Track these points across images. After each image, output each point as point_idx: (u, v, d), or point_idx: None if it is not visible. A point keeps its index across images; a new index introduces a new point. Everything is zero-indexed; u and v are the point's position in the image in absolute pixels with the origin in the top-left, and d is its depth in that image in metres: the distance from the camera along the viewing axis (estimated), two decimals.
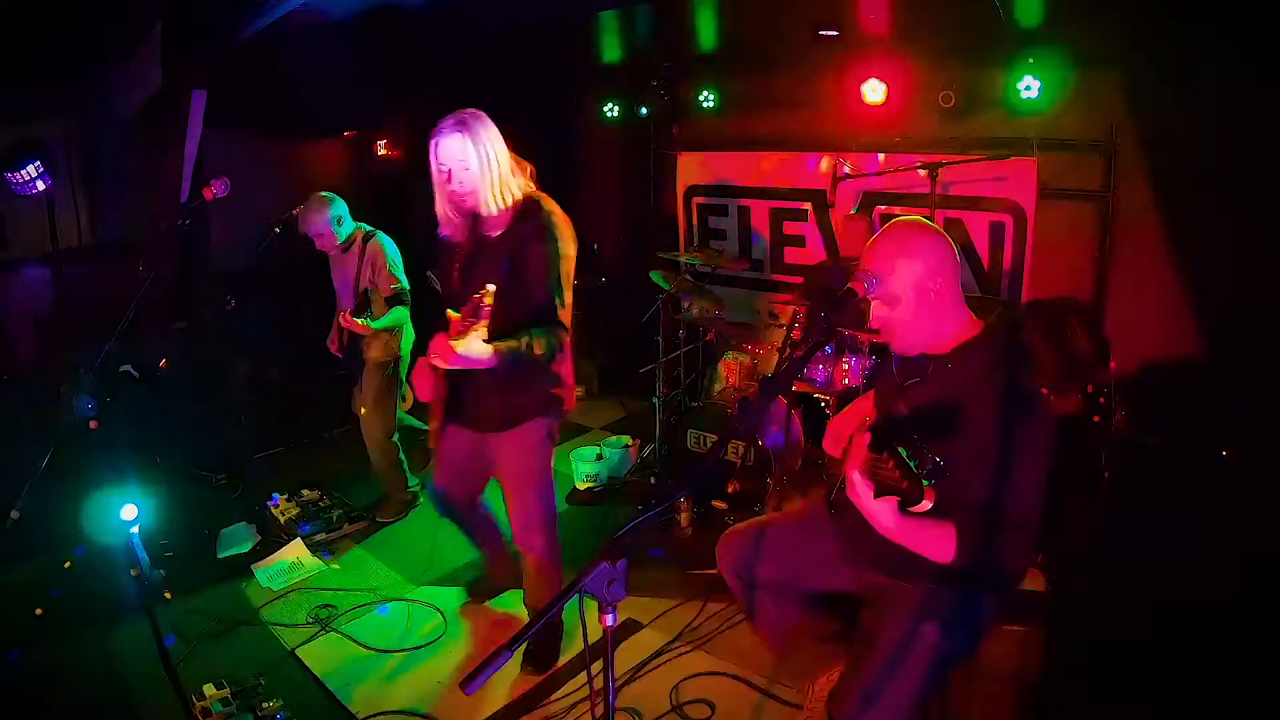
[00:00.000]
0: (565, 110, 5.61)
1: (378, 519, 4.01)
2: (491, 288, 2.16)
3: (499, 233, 2.45)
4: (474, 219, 2.46)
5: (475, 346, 2.22)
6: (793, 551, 2.17)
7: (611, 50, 5.26)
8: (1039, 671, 2.71)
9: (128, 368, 3.71)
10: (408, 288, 3.68)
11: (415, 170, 4.31)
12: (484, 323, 2.18)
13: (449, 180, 2.35)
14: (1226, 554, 3.07)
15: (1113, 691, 2.61)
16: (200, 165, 4.22)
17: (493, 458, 2.69)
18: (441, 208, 2.43)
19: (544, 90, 5.47)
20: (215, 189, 2.73)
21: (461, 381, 2.52)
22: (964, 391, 1.80)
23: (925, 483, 1.59)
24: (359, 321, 3.51)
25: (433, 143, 2.34)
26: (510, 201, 2.40)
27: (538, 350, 2.36)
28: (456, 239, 2.50)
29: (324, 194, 3.70)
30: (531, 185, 2.50)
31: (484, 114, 2.39)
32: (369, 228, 3.79)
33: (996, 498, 1.71)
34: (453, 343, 2.20)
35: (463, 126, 2.32)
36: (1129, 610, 2.96)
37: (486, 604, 3.26)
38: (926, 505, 1.59)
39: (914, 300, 1.85)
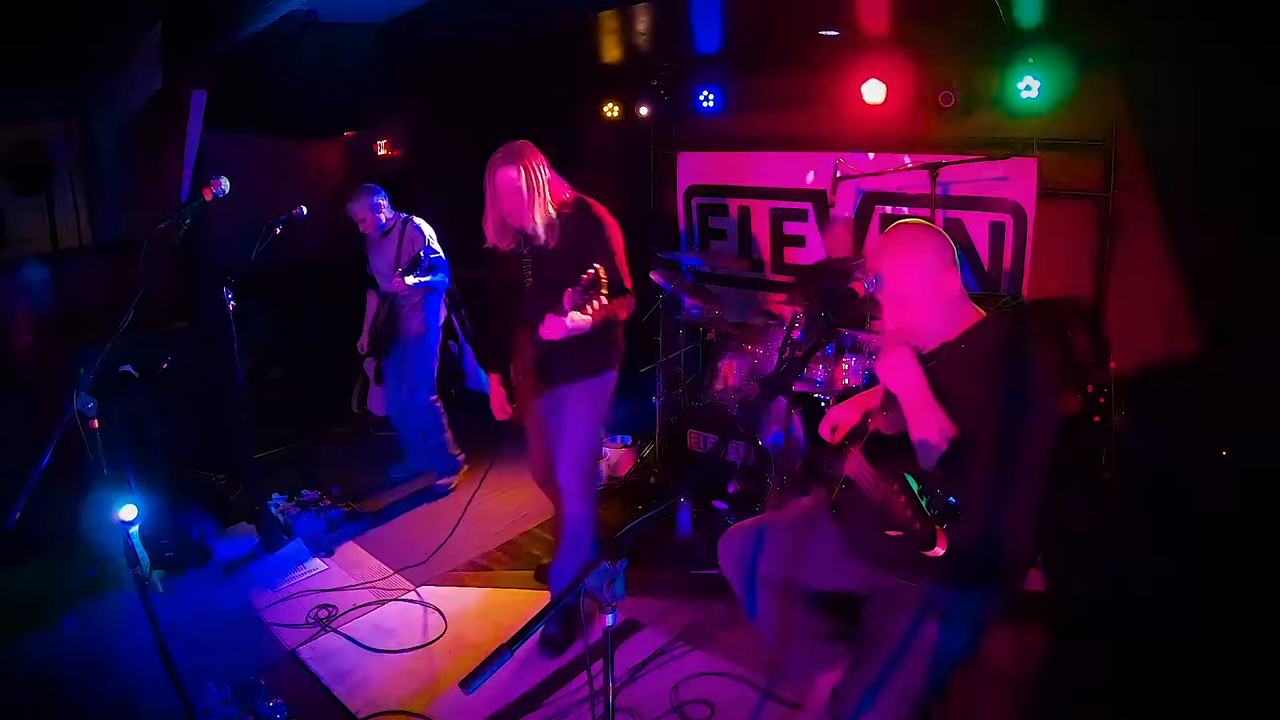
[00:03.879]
0: (565, 110, 5.60)
1: (435, 487, 4.32)
2: (600, 267, 2.52)
3: (556, 237, 2.80)
4: (524, 232, 2.82)
5: (578, 318, 2.60)
6: (794, 550, 2.17)
7: (611, 50, 5.26)
8: (1039, 671, 2.71)
9: (128, 368, 3.71)
10: (445, 259, 4.10)
11: (415, 170, 4.33)
12: (603, 294, 2.51)
13: (504, 202, 2.74)
14: (1226, 554, 3.07)
15: (1113, 691, 2.61)
16: (200, 165, 4.22)
17: (562, 407, 2.95)
18: (493, 224, 2.82)
19: (544, 90, 5.47)
20: (214, 188, 2.74)
21: (551, 349, 2.83)
22: (977, 365, 1.84)
23: (938, 525, 1.54)
24: (406, 280, 3.92)
25: (489, 172, 2.75)
26: (550, 215, 2.76)
27: (623, 314, 2.83)
28: (507, 249, 2.88)
29: (367, 184, 4.16)
30: (574, 192, 2.87)
31: (529, 144, 2.79)
32: (405, 214, 4.17)
33: (1009, 443, 1.71)
34: (564, 318, 2.58)
35: (511, 158, 2.72)
36: (1129, 610, 2.96)
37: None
38: (939, 551, 1.56)
39: (928, 296, 1.88)
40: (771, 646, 2.46)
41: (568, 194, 2.85)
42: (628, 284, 2.86)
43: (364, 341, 4.40)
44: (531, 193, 2.72)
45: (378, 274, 4.25)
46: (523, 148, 2.76)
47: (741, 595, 2.28)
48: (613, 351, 2.98)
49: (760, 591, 2.22)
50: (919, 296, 1.87)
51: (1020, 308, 1.96)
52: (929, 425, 1.76)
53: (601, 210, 2.85)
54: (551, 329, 2.63)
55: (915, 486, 1.57)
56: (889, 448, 1.92)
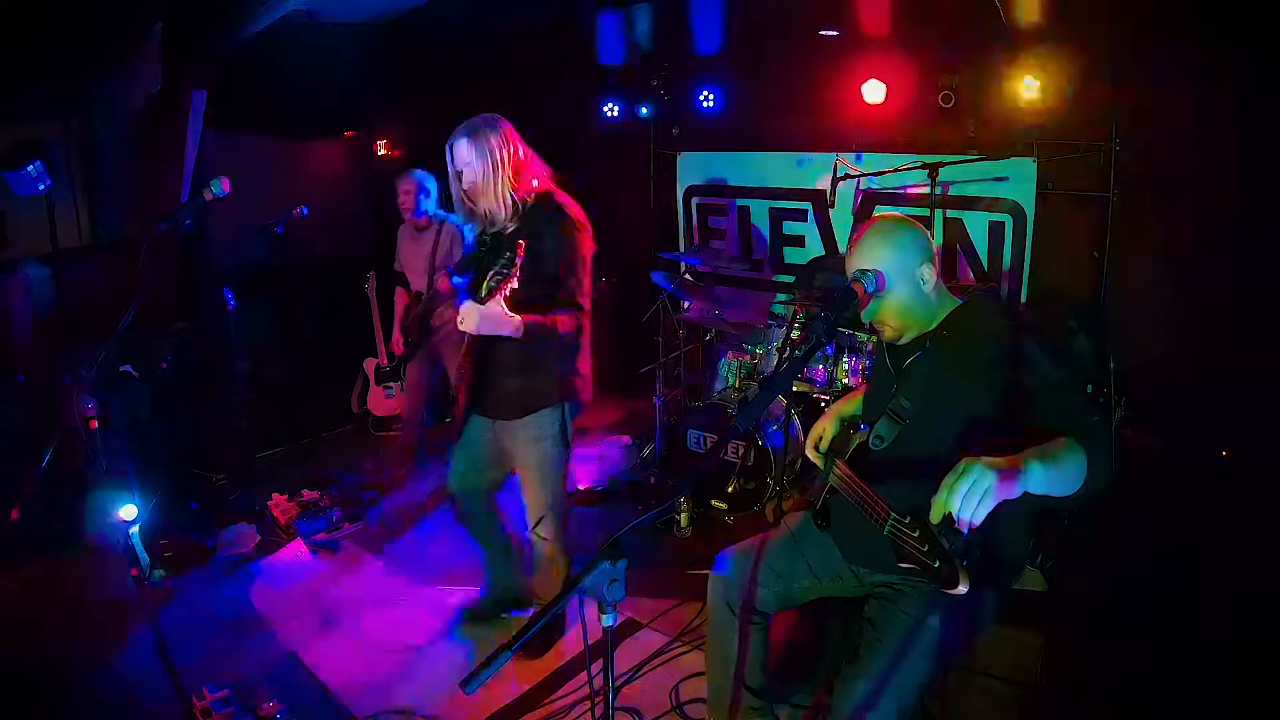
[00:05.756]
0: (565, 110, 5.60)
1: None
2: (522, 243, 2.28)
3: (514, 226, 2.56)
4: (489, 214, 2.56)
5: (501, 312, 2.29)
6: (789, 567, 2.13)
7: (611, 50, 5.26)
8: (1039, 671, 2.71)
9: (128, 368, 3.71)
10: None
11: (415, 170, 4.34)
12: (515, 277, 2.25)
13: (461, 179, 2.51)
14: (1226, 554, 3.07)
15: (1113, 691, 2.61)
16: (200, 165, 4.22)
17: (508, 447, 2.73)
18: (457, 203, 2.59)
19: (544, 90, 5.46)
20: (214, 188, 2.72)
21: (483, 367, 2.62)
22: (967, 349, 1.83)
23: (959, 561, 1.48)
24: (453, 280, 3.87)
25: (448, 145, 2.51)
26: (511, 201, 2.50)
27: (561, 327, 2.45)
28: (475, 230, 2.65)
29: (420, 169, 4.13)
30: (548, 183, 2.61)
31: (498, 119, 2.52)
32: (444, 213, 4.10)
33: (1007, 431, 1.68)
34: (480, 306, 2.28)
35: (471, 132, 2.47)
36: (1129, 610, 2.96)
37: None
38: (962, 590, 1.49)
39: (906, 289, 1.89)
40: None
41: (539, 182, 2.57)
42: (582, 300, 2.53)
43: (398, 341, 4.35)
44: (487, 171, 2.45)
45: (409, 270, 4.20)
46: (487, 121, 2.50)
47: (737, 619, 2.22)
48: (560, 387, 2.63)
49: (757, 619, 2.17)
50: (898, 287, 1.88)
51: (995, 291, 1.96)
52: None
53: (570, 209, 2.57)
54: (465, 315, 2.30)
55: (934, 522, 1.46)
56: (887, 470, 1.89)
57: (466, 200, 2.54)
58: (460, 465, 2.83)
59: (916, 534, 1.62)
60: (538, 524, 2.76)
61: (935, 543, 1.55)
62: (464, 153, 2.47)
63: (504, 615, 3.11)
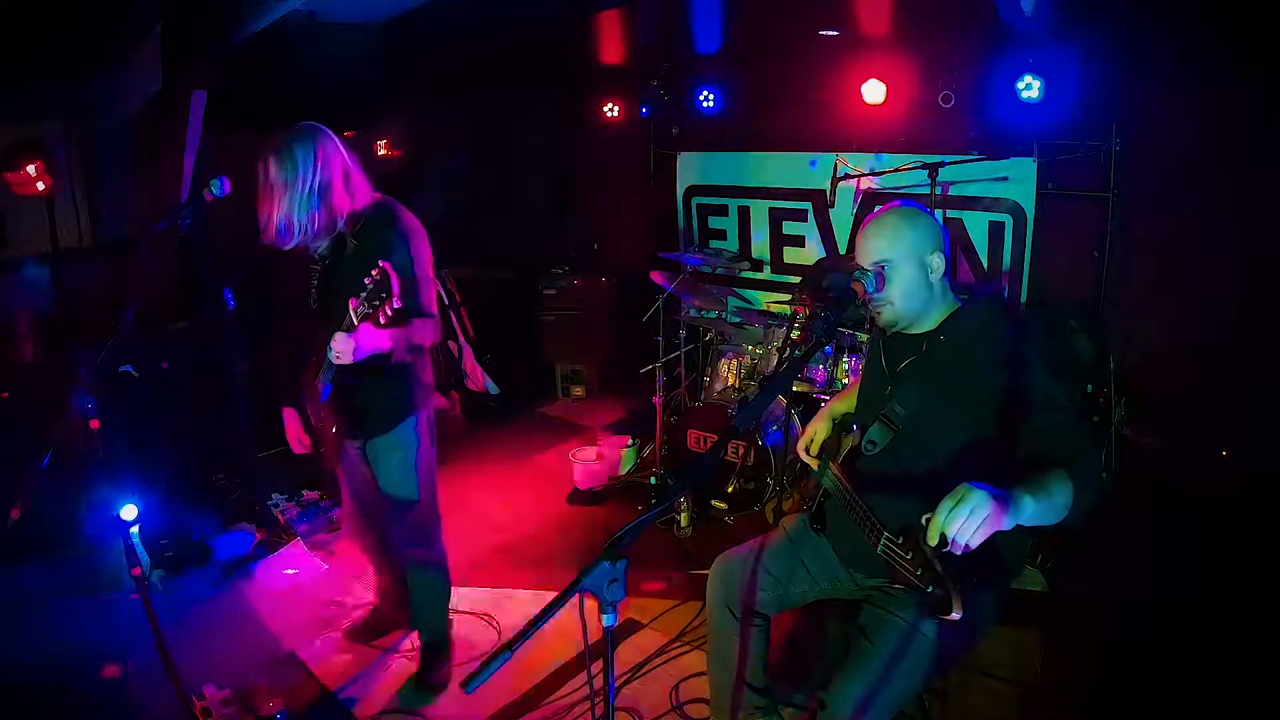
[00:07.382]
0: (565, 110, 5.61)
1: None
2: (386, 264, 2.12)
3: (351, 242, 2.40)
4: (316, 235, 2.38)
5: (374, 333, 2.21)
6: (787, 572, 2.13)
7: (611, 50, 5.26)
8: (1039, 671, 2.71)
9: (128, 368, 3.71)
10: None
11: (415, 170, 4.33)
12: (396, 298, 2.13)
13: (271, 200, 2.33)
14: (1226, 554, 3.07)
15: (1113, 691, 2.61)
16: (200, 165, 4.23)
17: (374, 464, 2.64)
18: (265, 220, 2.37)
19: (544, 90, 5.47)
20: (214, 188, 2.70)
21: (344, 391, 2.50)
22: (965, 356, 1.82)
23: (952, 585, 1.45)
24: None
25: (259, 162, 2.31)
26: (325, 223, 2.33)
27: (424, 338, 2.43)
28: (303, 249, 2.44)
29: None
30: (372, 195, 2.46)
31: (313, 131, 2.32)
32: None
33: (1005, 433, 1.69)
34: (351, 335, 2.18)
35: (280, 149, 2.27)
36: (1129, 610, 2.96)
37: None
38: (955, 616, 1.48)
39: (914, 271, 1.88)
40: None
41: (366, 197, 2.42)
42: (431, 307, 2.44)
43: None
44: (298, 194, 2.26)
45: None
46: (296, 136, 2.28)
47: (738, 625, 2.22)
48: (415, 391, 2.58)
49: (758, 621, 2.17)
50: (904, 267, 1.87)
51: (998, 293, 1.96)
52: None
53: (408, 218, 2.43)
54: (343, 350, 2.20)
55: (926, 545, 1.44)
56: (879, 482, 1.89)
57: (293, 225, 2.32)
58: (348, 494, 2.82)
59: (909, 556, 1.61)
60: (408, 542, 2.70)
61: (929, 567, 1.54)
62: (268, 171, 2.27)
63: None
